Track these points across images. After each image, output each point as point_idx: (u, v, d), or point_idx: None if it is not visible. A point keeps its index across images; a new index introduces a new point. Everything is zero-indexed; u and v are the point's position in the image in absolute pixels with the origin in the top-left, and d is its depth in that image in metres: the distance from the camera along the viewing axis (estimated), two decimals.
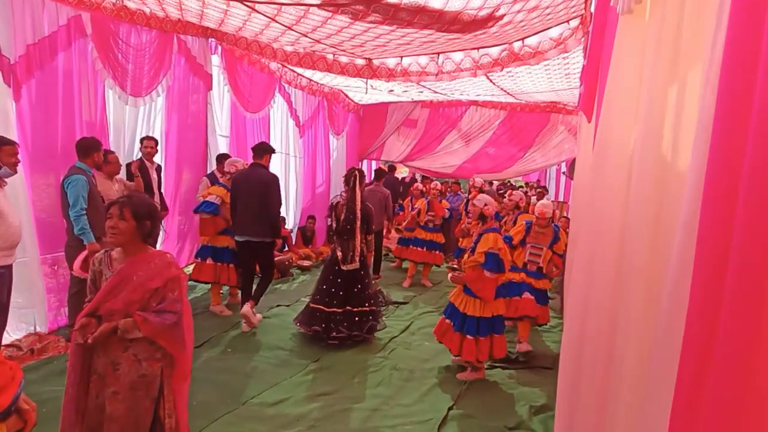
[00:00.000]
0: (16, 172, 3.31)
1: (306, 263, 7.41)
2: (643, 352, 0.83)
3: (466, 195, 8.66)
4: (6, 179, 3.22)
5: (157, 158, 5.17)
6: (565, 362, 1.93)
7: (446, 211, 7.26)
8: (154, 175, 4.97)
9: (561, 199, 11.33)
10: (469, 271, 3.73)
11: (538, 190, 10.12)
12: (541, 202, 4.71)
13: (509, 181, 12.92)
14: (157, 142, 5.03)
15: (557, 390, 2.40)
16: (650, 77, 1.00)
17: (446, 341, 3.93)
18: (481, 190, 7.09)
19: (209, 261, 4.97)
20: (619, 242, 1.20)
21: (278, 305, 5.43)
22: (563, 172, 11.71)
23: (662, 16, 0.97)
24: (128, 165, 4.84)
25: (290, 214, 8.07)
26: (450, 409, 3.39)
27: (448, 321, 3.93)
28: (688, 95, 0.85)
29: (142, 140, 4.94)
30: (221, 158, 5.65)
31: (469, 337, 3.75)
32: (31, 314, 4.00)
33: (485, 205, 3.84)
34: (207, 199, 4.92)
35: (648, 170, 0.94)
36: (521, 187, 12.71)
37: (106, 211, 2.03)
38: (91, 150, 3.96)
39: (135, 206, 2.02)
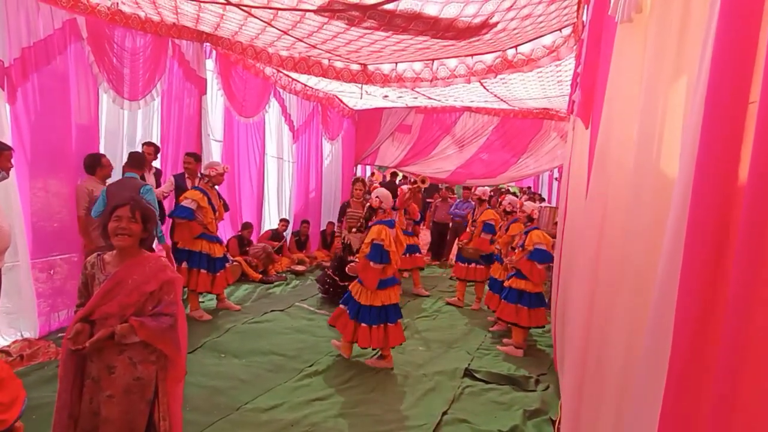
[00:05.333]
0: (8, 177, 3.29)
1: (300, 268, 7.38)
2: (640, 354, 0.85)
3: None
4: None
5: (153, 162, 5.14)
6: (572, 365, 1.94)
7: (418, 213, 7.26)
8: (151, 181, 4.94)
9: (553, 204, 11.39)
10: (362, 261, 4.02)
11: (530, 194, 10.19)
12: None
13: (502, 187, 12.99)
14: (157, 149, 5.00)
15: (561, 392, 2.40)
16: (649, 85, 1.02)
17: (339, 326, 4.12)
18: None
19: (183, 266, 4.82)
20: (622, 246, 1.22)
21: (272, 310, 5.41)
22: (555, 178, 11.81)
23: (661, 24, 0.99)
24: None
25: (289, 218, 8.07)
26: (444, 413, 3.39)
27: (343, 307, 4.13)
28: (687, 103, 0.87)
29: (142, 145, 4.93)
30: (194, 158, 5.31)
31: (363, 325, 3.99)
32: (21, 320, 3.95)
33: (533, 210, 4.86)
34: (182, 203, 4.77)
35: (648, 177, 0.96)
36: (515, 193, 12.78)
37: (110, 213, 2.02)
38: (144, 162, 4.49)
39: (143, 209, 2.03)
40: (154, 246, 4.32)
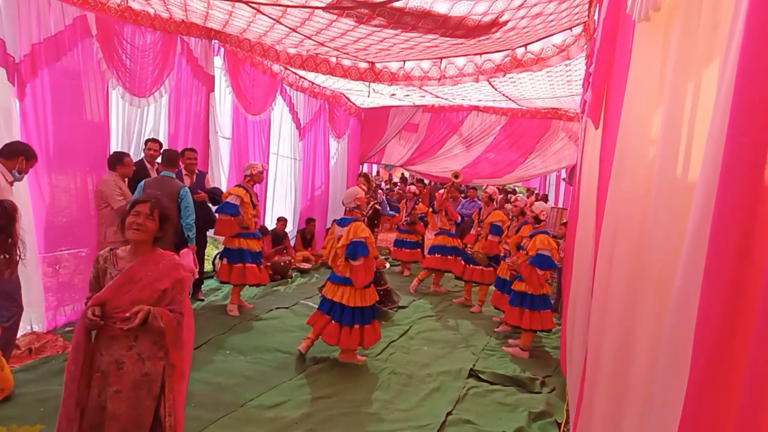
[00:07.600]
0: (22, 179, 3.37)
1: (305, 266, 7.39)
2: (658, 360, 0.83)
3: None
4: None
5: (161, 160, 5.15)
6: (590, 368, 1.92)
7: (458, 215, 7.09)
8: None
9: (561, 205, 11.34)
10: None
11: (536, 195, 10.14)
12: None
13: (509, 187, 12.93)
14: (160, 145, 5.01)
15: (569, 395, 2.38)
16: (671, 84, 1.00)
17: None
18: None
19: (224, 262, 5.03)
20: (638, 249, 1.20)
21: (277, 308, 5.42)
22: (563, 179, 11.75)
23: (681, 22, 0.97)
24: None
25: (290, 216, 8.06)
26: (448, 414, 3.38)
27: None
28: (710, 102, 0.85)
29: (146, 142, 4.95)
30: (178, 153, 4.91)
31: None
32: (29, 313, 3.97)
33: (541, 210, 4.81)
34: (227, 200, 4.93)
35: (669, 178, 0.94)
36: (521, 194, 12.72)
37: (131, 207, 2.06)
38: (178, 159, 4.49)
39: (163, 209, 2.09)
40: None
